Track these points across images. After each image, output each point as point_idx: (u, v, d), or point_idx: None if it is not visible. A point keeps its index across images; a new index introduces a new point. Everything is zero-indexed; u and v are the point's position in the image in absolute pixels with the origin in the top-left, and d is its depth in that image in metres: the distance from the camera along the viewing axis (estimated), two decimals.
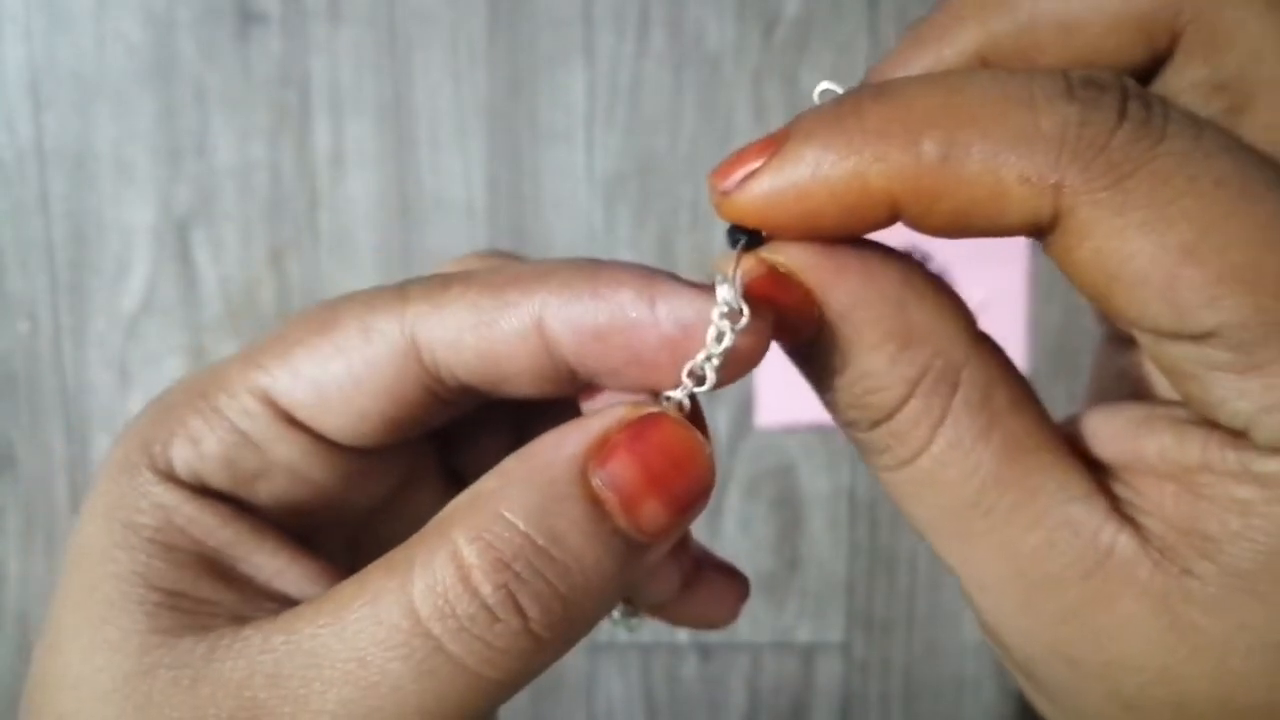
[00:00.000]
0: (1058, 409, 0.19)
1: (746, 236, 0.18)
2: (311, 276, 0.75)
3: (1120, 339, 0.22)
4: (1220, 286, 0.15)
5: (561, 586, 0.17)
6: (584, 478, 0.18)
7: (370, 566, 0.18)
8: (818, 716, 0.79)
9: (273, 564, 0.20)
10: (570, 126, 0.74)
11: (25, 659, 0.77)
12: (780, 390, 0.75)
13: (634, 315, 0.18)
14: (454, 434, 0.24)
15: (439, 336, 0.19)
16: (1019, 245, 0.73)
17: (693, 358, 0.18)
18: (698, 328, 0.18)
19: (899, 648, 0.78)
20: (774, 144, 0.18)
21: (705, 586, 0.23)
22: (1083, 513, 0.17)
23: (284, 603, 0.19)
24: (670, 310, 0.18)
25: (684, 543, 0.22)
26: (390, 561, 0.18)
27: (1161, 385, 0.21)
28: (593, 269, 0.19)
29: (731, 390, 0.75)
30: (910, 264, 0.18)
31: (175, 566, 0.19)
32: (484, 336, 0.19)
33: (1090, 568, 0.17)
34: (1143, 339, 0.17)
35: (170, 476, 0.20)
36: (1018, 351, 0.75)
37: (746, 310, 0.18)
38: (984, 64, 0.20)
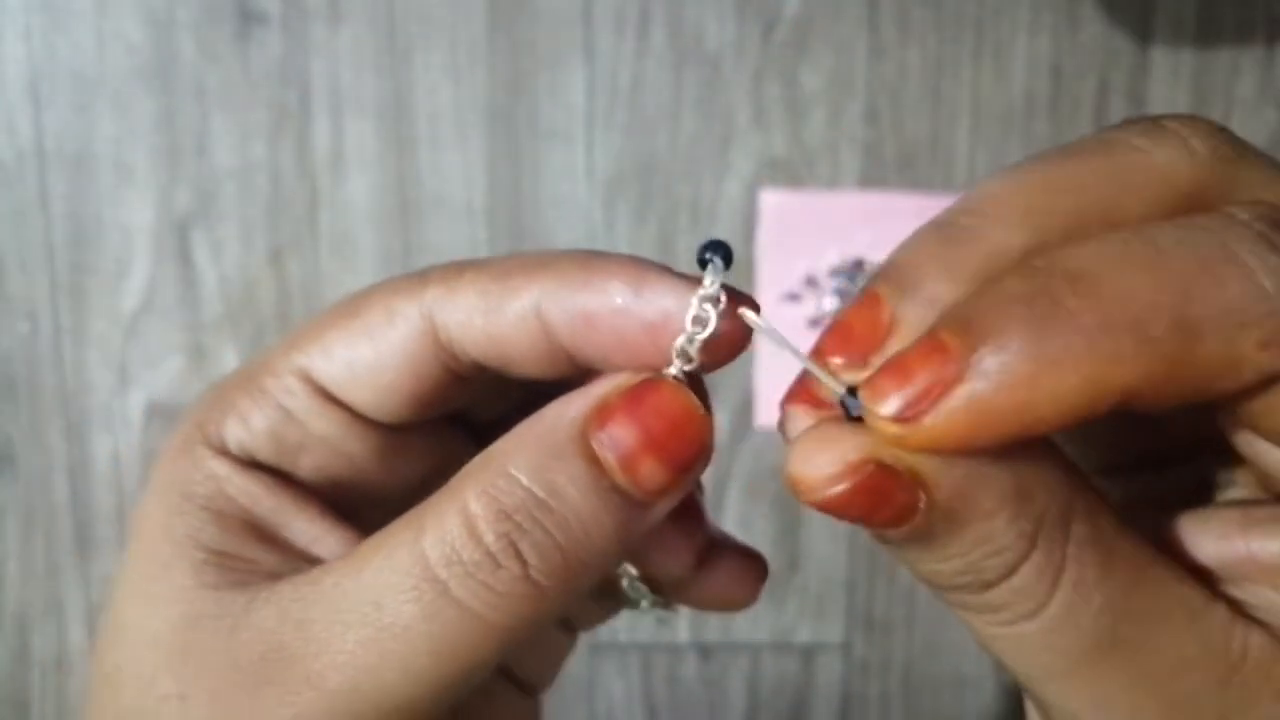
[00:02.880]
0: None
1: (720, 255, 0.20)
2: (311, 276, 0.75)
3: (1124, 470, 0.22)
4: None
5: (560, 537, 0.19)
6: (584, 438, 0.19)
7: (388, 525, 0.20)
8: (818, 716, 0.79)
9: (312, 530, 0.22)
10: (570, 126, 0.74)
11: (24, 659, 0.78)
12: (780, 390, 0.75)
13: (620, 303, 0.20)
14: (490, 425, 0.25)
15: (452, 318, 0.21)
16: None
17: (674, 342, 0.19)
18: (678, 316, 0.19)
19: (899, 647, 0.78)
20: (941, 353, 0.16)
21: (723, 567, 0.24)
22: (1209, 622, 0.17)
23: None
24: (654, 298, 0.19)
25: (696, 518, 0.24)
26: (406, 519, 0.20)
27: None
28: (589, 259, 0.20)
29: (732, 390, 0.75)
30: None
31: (224, 530, 0.21)
32: (491, 320, 0.20)
33: (1225, 675, 0.17)
34: None
35: (223, 451, 0.22)
36: None
37: (724, 299, 0.19)
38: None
